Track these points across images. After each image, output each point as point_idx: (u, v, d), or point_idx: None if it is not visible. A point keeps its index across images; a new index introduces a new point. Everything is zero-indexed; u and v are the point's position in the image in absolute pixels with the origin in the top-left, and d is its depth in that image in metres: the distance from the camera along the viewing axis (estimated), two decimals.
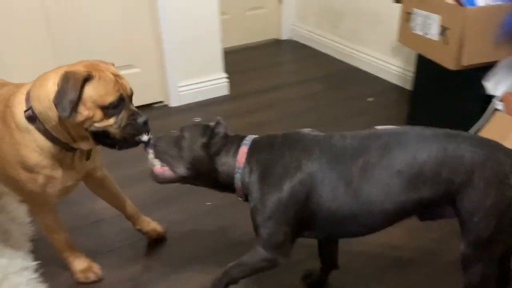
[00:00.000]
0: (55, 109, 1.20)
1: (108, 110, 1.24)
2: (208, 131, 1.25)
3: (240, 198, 1.28)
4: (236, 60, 3.35)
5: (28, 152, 1.28)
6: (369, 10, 3.07)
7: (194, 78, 2.78)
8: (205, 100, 2.81)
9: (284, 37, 3.90)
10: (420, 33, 2.04)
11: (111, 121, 1.26)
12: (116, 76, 1.28)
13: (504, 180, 1.07)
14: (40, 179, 1.31)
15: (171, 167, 1.26)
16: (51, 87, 1.21)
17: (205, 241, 1.73)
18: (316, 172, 1.16)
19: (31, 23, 2.28)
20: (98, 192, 1.61)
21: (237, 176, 1.24)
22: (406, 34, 2.16)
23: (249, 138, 1.28)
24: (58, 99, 1.18)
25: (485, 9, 1.81)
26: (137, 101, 2.84)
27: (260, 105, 2.79)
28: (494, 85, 1.91)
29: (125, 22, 2.49)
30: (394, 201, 1.13)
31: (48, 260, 1.60)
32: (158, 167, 1.28)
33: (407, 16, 2.12)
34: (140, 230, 1.69)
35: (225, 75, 2.89)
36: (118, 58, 2.56)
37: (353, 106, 2.74)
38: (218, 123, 1.26)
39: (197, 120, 2.59)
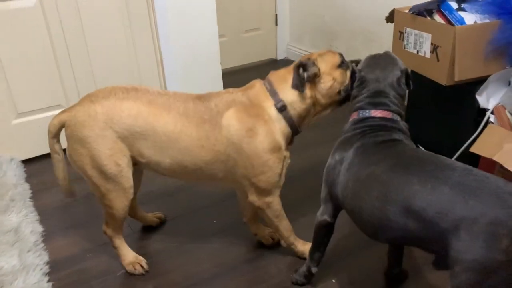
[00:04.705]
0: (301, 97, 1.52)
1: (341, 67, 1.55)
2: (356, 81, 1.50)
3: None
4: (235, 80, 3.41)
5: (279, 137, 1.52)
6: (362, 29, 3.17)
7: None
8: None
9: (280, 57, 4.01)
10: (412, 51, 2.12)
11: (348, 73, 1.57)
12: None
13: (494, 243, 0.97)
14: (281, 158, 1.54)
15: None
16: (290, 81, 1.52)
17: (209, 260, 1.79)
18: (346, 164, 1.32)
19: (42, 57, 2.36)
20: None
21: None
22: (399, 52, 2.24)
23: (365, 112, 1.42)
24: (295, 83, 1.51)
25: (474, 27, 1.90)
26: None
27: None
28: (486, 99, 1.99)
29: (129, 48, 2.58)
30: (378, 217, 1.19)
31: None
32: None
33: (399, 35, 2.21)
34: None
35: None
36: (125, 83, 2.65)
37: None
38: (360, 78, 1.49)
39: None
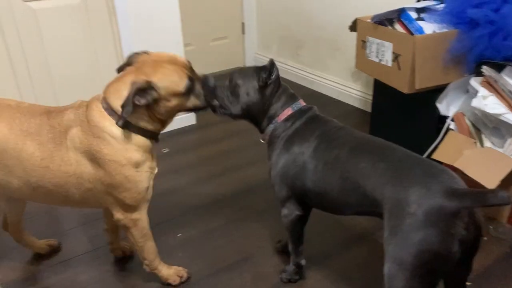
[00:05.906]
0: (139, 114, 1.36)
1: (186, 94, 1.40)
2: (263, 74, 1.44)
3: (262, 141, 1.56)
4: None
5: (132, 154, 1.38)
6: (327, 38, 3.20)
7: None
8: (172, 130, 2.83)
9: (249, 65, 4.00)
10: (375, 59, 2.15)
11: (193, 98, 1.42)
12: (173, 61, 1.40)
13: (405, 208, 1.10)
14: (146, 172, 1.43)
15: (228, 109, 1.49)
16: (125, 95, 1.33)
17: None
18: (311, 152, 1.39)
19: None
20: None
21: (271, 126, 1.50)
22: (362, 61, 2.27)
23: (297, 105, 1.49)
24: (124, 107, 1.31)
25: (433, 36, 1.94)
26: None
27: (226, 133, 2.83)
28: (446, 106, 2.03)
29: (90, 57, 2.52)
30: (342, 195, 1.31)
31: None
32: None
33: (362, 44, 2.24)
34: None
35: None
36: (85, 93, 2.59)
37: None
38: (272, 64, 1.43)
39: (164, 151, 2.61)
